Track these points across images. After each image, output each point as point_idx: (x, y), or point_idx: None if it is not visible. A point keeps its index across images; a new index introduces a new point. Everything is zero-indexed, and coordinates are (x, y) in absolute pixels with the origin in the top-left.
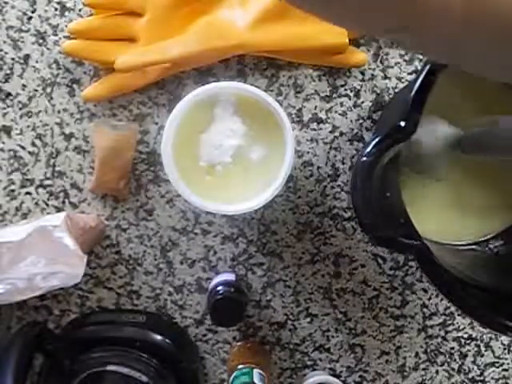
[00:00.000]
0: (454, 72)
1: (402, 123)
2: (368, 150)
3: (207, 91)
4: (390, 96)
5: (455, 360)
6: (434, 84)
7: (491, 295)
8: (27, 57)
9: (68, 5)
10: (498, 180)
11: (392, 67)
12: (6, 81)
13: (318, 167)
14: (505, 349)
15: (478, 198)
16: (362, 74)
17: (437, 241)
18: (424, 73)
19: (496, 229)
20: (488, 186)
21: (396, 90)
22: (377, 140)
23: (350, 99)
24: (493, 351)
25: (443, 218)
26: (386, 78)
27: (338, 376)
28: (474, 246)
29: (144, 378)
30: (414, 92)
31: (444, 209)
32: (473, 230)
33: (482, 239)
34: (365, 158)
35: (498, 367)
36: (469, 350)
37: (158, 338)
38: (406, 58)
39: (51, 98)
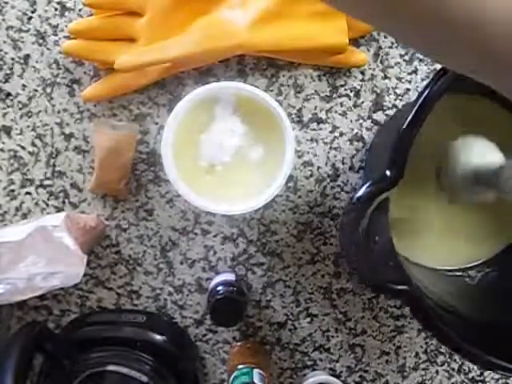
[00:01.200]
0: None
1: (388, 172)
2: (354, 200)
3: (207, 91)
4: (390, 96)
5: (455, 360)
6: (422, 125)
7: (474, 327)
8: (27, 57)
9: (68, 5)
10: (489, 209)
11: (392, 67)
12: (6, 81)
13: (318, 167)
14: None
15: (468, 224)
16: (362, 73)
17: (423, 264)
18: (412, 113)
19: (482, 256)
20: (479, 213)
21: (396, 91)
22: (362, 191)
23: (350, 99)
24: None
25: (431, 241)
26: (385, 77)
27: (338, 376)
28: (459, 273)
29: (144, 378)
30: (399, 136)
31: (432, 233)
32: (460, 255)
33: (468, 265)
34: (351, 208)
35: None
36: None
37: (158, 337)
38: (406, 58)
39: (51, 98)
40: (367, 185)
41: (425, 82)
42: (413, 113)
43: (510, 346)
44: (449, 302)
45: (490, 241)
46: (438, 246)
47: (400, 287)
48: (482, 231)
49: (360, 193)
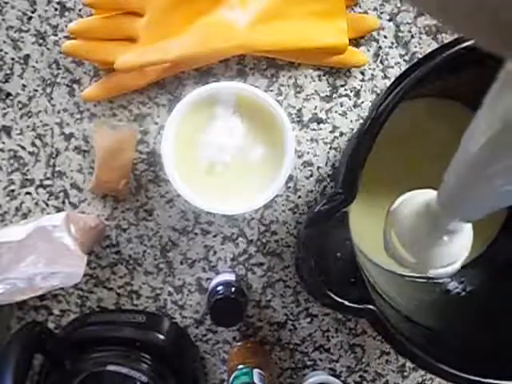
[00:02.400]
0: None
1: (340, 191)
2: (310, 219)
3: (207, 91)
4: None
5: None
6: (374, 142)
7: (436, 338)
8: (27, 57)
9: (68, 5)
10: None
11: (392, 67)
12: (6, 81)
13: (318, 167)
14: None
15: None
16: (362, 74)
17: (392, 270)
18: (363, 130)
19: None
20: None
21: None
22: (316, 209)
23: (350, 99)
24: None
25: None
26: (385, 77)
27: (337, 376)
28: (429, 280)
29: (144, 378)
30: (351, 154)
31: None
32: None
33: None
34: (309, 224)
35: None
36: None
37: (158, 337)
38: (406, 58)
39: (51, 98)
40: (322, 202)
41: None
42: (363, 132)
43: (473, 358)
44: (416, 312)
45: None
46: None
47: (361, 306)
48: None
49: (316, 209)
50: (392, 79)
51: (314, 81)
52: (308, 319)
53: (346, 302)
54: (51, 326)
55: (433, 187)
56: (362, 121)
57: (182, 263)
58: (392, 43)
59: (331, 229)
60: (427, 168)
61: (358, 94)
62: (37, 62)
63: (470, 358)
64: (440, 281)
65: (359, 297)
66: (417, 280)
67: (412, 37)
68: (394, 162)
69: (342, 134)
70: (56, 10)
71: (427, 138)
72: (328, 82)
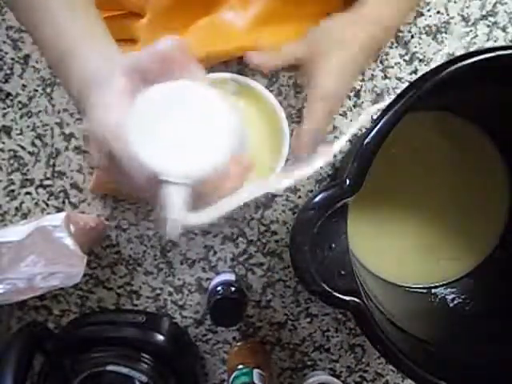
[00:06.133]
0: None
1: (347, 180)
2: (310, 204)
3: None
4: (390, 96)
5: None
6: (384, 139)
7: (424, 348)
8: (27, 57)
9: None
10: (455, 233)
11: (392, 67)
12: (6, 81)
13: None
14: None
15: (435, 244)
16: (362, 74)
17: (385, 279)
18: (378, 124)
19: (447, 277)
20: (445, 236)
21: (396, 91)
22: (319, 196)
23: (349, 99)
24: None
25: (396, 257)
26: (386, 78)
27: (338, 376)
28: (422, 290)
29: (144, 378)
30: (360, 146)
31: (397, 248)
32: (424, 273)
33: (432, 285)
34: (307, 209)
35: None
36: None
37: (158, 337)
38: (406, 58)
39: (51, 98)
40: (326, 189)
41: None
42: (378, 127)
43: (458, 371)
44: (403, 320)
45: (457, 263)
46: (403, 262)
47: (347, 298)
48: (448, 252)
49: (317, 197)
50: (392, 79)
51: None
52: (308, 319)
53: (334, 292)
54: (51, 326)
55: (432, 197)
56: None
57: (182, 263)
58: (392, 43)
59: (330, 217)
60: (426, 180)
61: (358, 94)
62: (37, 62)
63: (468, 372)
64: (438, 291)
65: (347, 289)
66: (415, 291)
67: (412, 37)
68: (394, 174)
69: (342, 133)
70: None
71: (428, 150)
72: None
